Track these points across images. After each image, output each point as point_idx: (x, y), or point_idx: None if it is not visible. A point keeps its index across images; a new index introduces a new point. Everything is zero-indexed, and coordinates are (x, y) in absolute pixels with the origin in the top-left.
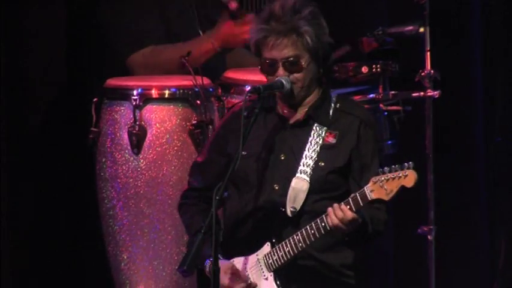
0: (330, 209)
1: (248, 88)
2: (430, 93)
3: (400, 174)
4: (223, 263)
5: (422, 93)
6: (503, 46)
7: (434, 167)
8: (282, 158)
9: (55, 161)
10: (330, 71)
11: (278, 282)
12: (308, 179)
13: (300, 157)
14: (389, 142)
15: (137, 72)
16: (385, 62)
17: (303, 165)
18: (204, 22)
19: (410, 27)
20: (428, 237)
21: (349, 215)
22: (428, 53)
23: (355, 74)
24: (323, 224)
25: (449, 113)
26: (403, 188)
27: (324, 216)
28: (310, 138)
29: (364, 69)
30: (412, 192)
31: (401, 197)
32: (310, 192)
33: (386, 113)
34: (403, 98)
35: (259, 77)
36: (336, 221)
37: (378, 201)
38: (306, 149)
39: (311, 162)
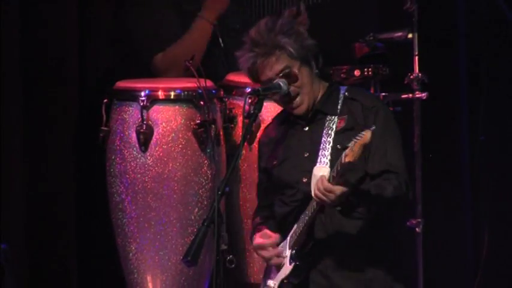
0: (314, 183)
1: (248, 90)
2: (418, 94)
3: (362, 135)
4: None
5: (411, 95)
6: (486, 50)
7: (422, 163)
8: (306, 155)
9: (68, 158)
10: (325, 67)
11: (291, 260)
12: (328, 163)
13: (318, 148)
14: None
15: (162, 75)
16: (376, 66)
17: (321, 156)
18: (224, 30)
19: (400, 33)
20: (417, 229)
21: (327, 186)
22: (417, 58)
23: (348, 77)
24: (314, 205)
25: (436, 113)
26: (364, 146)
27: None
28: (324, 129)
29: (357, 73)
30: None
31: None
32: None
33: None
34: (393, 99)
35: None
36: (321, 189)
37: (387, 172)
38: (322, 139)
39: (328, 147)
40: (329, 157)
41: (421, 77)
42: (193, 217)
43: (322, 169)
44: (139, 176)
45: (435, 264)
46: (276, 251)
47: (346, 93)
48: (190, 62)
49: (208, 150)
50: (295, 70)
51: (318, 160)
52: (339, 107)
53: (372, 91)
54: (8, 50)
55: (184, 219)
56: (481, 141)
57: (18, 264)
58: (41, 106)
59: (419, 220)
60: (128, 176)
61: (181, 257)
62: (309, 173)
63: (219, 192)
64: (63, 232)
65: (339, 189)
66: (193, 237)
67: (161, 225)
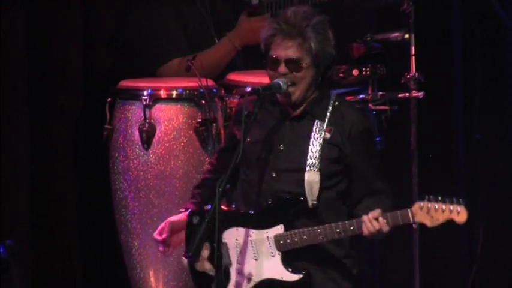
0: (365, 217)
1: (248, 89)
2: (414, 94)
3: (452, 208)
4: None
5: (407, 94)
6: (480, 51)
7: (418, 160)
8: (281, 148)
9: (73, 155)
10: (329, 79)
11: (285, 262)
12: (318, 171)
13: (306, 151)
14: (378, 139)
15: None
16: (374, 66)
17: (310, 159)
18: (219, 26)
19: (397, 34)
20: (413, 225)
21: (386, 228)
22: (413, 57)
23: (346, 76)
24: (352, 228)
25: (432, 112)
26: (450, 222)
27: (355, 220)
28: (312, 134)
29: (355, 72)
30: (398, 183)
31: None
32: (321, 182)
33: (374, 112)
34: (390, 98)
35: (259, 79)
36: (372, 230)
37: (385, 190)
38: (311, 143)
39: (317, 155)
40: (317, 164)
41: (417, 77)
42: None
43: (313, 175)
44: (142, 173)
45: (431, 260)
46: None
47: (336, 103)
48: (192, 61)
49: (209, 148)
50: (304, 64)
51: (307, 165)
52: (328, 114)
53: (369, 90)
54: (14, 52)
55: None
56: (476, 140)
57: (22, 260)
58: (45, 105)
59: None
60: (130, 173)
61: (183, 253)
62: (280, 170)
63: (220, 189)
64: (67, 228)
65: (387, 229)
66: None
67: (163, 222)
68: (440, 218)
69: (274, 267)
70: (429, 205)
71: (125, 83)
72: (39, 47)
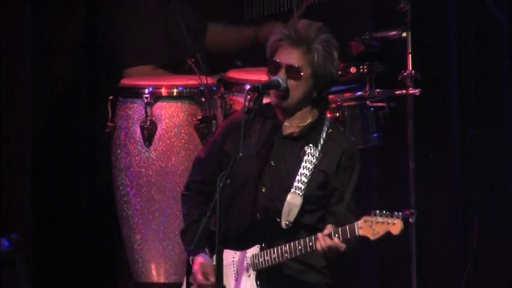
0: (319, 234)
1: (248, 87)
2: (411, 91)
3: (389, 221)
4: (205, 261)
5: (404, 91)
6: (475, 48)
7: (415, 156)
8: (272, 164)
9: (76, 152)
10: (326, 99)
11: (258, 282)
12: (302, 195)
13: (294, 173)
14: (375, 135)
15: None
16: (371, 63)
17: (298, 182)
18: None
19: (394, 32)
20: (410, 219)
21: (337, 243)
22: (410, 55)
23: (344, 74)
24: (310, 244)
25: (428, 108)
26: (388, 234)
27: (312, 237)
28: (305, 157)
29: (353, 70)
30: (395, 179)
31: (385, 183)
32: (302, 207)
33: (372, 109)
34: (387, 95)
35: (258, 77)
36: (324, 246)
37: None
38: (301, 167)
39: (305, 180)
40: (303, 189)
41: (414, 74)
42: None
43: (295, 198)
44: (143, 169)
45: (427, 253)
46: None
47: (330, 130)
48: (192, 60)
49: None
50: (303, 74)
51: (293, 187)
52: (321, 140)
53: (367, 88)
54: (19, 54)
55: None
56: (470, 135)
57: (26, 254)
58: (49, 104)
59: (412, 211)
60: (132, 169)
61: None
62: (269, 186)
63: (220, 184)
64: (70, 223)
65: (342, 246)
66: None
67: (164, 217)
68: (380, 231)
69: (249, 287)
70: (372, 219)
71: (127, 81)
72: (43, 44)
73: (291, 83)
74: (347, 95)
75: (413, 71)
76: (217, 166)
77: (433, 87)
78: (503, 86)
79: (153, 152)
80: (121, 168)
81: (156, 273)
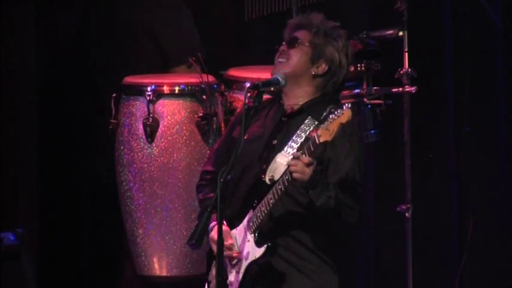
0: (289, 160)
1: (248, 84)
2: (407, 88)
3: (339, 114)
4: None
5: (401, 89)
6: (470, 47)
7: (411, 152)
8: (274, 142)
9: (80, 148)
10: (331, 87)
11: (256, 240)
12: (292, 156)
13: (288, 139)
14: (373, 131)
15: None
16: (369, 62)
17: (288, 147)
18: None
19: (391, 31)
20: (406, 214)
21: (307, 160)
22: (406, 54)
23: None
24: (287, 178)
25: (424, 106)
26: (341, 126)
27: (287, 171)
28: (301, 126)
29: (350, 68)
30: (391, 174)
31: (382, 179)
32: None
33: (369, 106)
34: (384, 93)
35: (258, 75)
36: (298, 170)
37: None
38: (296, 134)
39: (295, 146)
40: (294, 150)
41: (410, 72)
42: (196, 204)
43: (284, 159)
44: (146, 165)
45: (423, 247)
46: (228, 245)
47: (332, 108)
48: (194, 58)
49: (210, 141)
50: (300, 41)
51: (284, 149)
52: (323, 115)
53: (364, 85)
54: (23, 54)
55: (188, 205)
56: (466, 132)
57: (31, 248)
58: (53, 103)
59: (409, 206)
60: (135, 165)
61: (186, 241)
62: (270, 161)
63: (222, 180)
64: (74, 218)
65: (311, 160)
66: (197, 222)
67: (167, 212)
68: (334, 128)
69: (249, 251)
70: (325, 123)
71: (130, 79)
72: (47, 44)
73: (290, 52)
74: (345, 92)
75: (409, 69)
76: (228, 154)
77: (429, 85)
78: (497, 84)
79: (155, 148)
80: (124, 164)
81: (158, 267)
